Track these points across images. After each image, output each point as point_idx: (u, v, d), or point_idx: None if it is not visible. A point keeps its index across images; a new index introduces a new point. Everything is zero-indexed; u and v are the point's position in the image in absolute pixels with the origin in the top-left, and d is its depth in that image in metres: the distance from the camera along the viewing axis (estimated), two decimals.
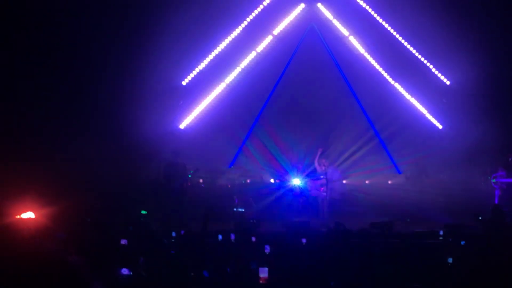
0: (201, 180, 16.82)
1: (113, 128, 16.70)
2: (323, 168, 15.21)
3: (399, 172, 18.00)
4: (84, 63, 16.71)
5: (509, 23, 16.98)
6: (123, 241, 9.89)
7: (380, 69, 18.40)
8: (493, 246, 10.43)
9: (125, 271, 7.95)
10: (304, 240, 11.53)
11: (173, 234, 11.17)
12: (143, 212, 15.05)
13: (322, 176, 15.22)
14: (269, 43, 18.63)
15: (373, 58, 18.47)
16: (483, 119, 17.24)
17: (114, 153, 16.35)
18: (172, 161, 16.13)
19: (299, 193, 16.32)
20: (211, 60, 18.27)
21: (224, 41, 18.29)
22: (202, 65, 18.25)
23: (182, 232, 11.75)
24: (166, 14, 17.17)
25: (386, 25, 18.37)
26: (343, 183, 15.62)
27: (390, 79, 18.40)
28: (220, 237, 11.19)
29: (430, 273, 7.78)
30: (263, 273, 7.58)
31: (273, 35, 18.53)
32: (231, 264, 8.38)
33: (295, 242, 10.95)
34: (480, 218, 12.89)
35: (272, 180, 17.48)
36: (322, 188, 15.21)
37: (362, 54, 18.52)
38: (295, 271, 7.68)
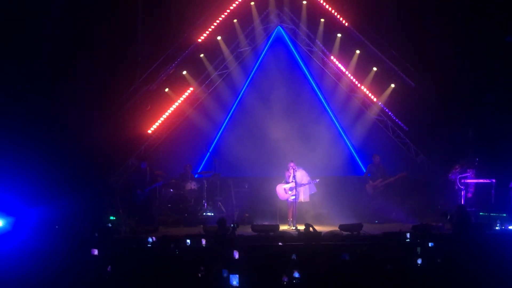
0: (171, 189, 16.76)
1: (79, 132, 16.46)
2: (291, 171, 15.20)
3: (363, 173, 18.03)
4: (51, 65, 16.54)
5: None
6: (94, 251, 9.78)
7: (346, 72, 18.48)
8: (459, 246, 10.63)
9: None
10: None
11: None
12: (112, 218, 14.93)
13: (291, 180, 15.20)
14: (237, 46, 18.57)
15: (339, 62, 18.53)
16: (445, 120, 17.43)
17: (81, 157, 16.15)
18: (139, 167, 16.07)
19: None
20: (179, 63, 18.14)
21: (190, 45, 18.18)
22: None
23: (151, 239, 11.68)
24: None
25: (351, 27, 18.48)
26: (313, 186, 15.61)
27: (356, 82, 18.49)
28: (188, 242, 11.13)
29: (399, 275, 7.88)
30: (234, 280, 7.54)
31: (241, 39, 18.50)
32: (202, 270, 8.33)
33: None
34: (449, 217, 13.00)
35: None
36: (291, 192, 15.21)
37: (329, 57, 18.56)
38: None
